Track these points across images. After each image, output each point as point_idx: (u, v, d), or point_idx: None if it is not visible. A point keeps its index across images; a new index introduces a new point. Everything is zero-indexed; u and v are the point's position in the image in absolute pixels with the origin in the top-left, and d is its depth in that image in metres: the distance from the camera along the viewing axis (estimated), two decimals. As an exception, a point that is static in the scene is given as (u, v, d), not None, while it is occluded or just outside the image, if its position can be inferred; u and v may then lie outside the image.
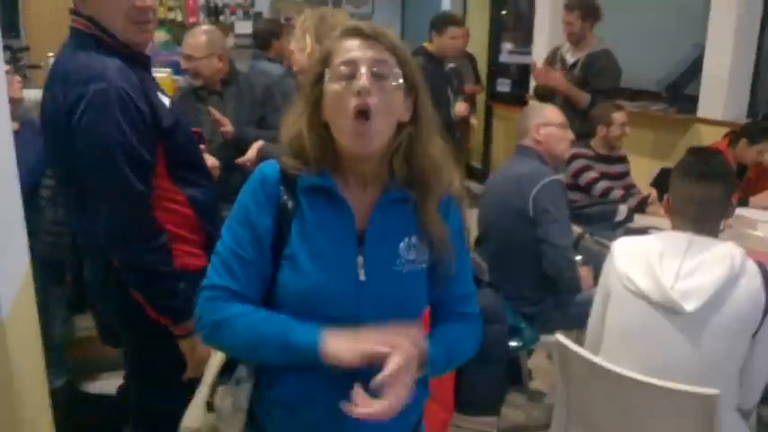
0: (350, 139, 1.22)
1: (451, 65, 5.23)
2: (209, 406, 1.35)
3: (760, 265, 1.90)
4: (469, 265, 1.44)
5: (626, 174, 3.94)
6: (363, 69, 1.22)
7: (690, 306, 1.82)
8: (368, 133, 1.21)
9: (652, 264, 1.90)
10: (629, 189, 3.84)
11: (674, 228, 2.00)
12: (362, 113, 1.20)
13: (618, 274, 1.98)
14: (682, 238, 1.93)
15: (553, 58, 4.73)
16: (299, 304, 1.24)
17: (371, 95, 1.20)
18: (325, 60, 1.27)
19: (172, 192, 1.89)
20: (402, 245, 1.30)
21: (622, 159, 3.94)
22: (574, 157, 3.74)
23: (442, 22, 4.75)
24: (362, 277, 1.26)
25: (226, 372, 1.36)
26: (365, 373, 1.18)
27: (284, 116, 1.34)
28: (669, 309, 1.85)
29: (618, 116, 3.78)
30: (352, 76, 1.22)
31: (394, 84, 1.24)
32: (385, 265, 1.28)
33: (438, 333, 1.35)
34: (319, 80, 1.27)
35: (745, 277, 1.85)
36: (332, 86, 1.24)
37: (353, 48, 1.24)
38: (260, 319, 1.24)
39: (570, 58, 4.57)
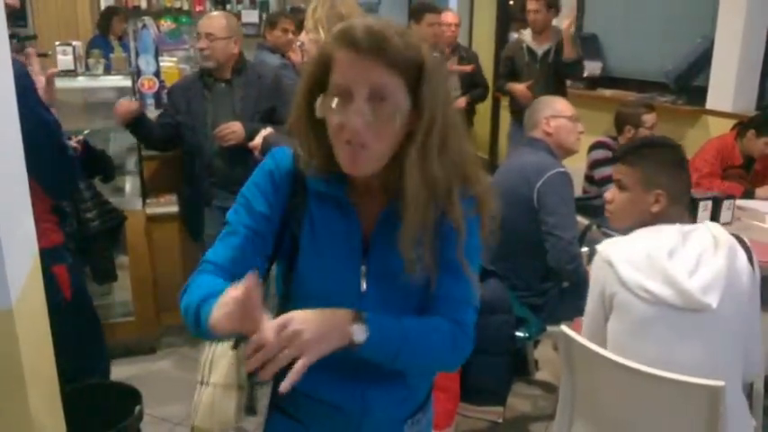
0: (343, 164, 1.16)
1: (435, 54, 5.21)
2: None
3: (735, 237, 1.87)
4: (472, 274, 1.27)
5: None
6: (358, 101, 1.11)
7: (713, 301, 1.76)
8: (360, 160, 1.14)
9: (666, 268, 1.81)
10: None
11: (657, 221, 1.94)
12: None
13: (625, 284, 1.85)
14: (672, 230, 1.88)
15: (518, 49, 4.92)
16: (302, 303, 1.17)
17: (366, 130, 1.11)
18: (324, 66, 1.16)
19: None
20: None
21: None
22: (596, 146, 3.68)
23: (418, 10, 4.73)
24: (364, 287, 1.22)
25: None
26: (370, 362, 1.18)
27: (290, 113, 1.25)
28: (693, 309, 1.79)
29: (648, 118, 3.66)
30: (347, 99, 1.12)
31: (391, 110, 1.13)
32: (389, 276, 1.21)
33: (405, 318, 1.22)
34: (318, 84, 1.17)
35: (737, 256, 1.83)
36: (327, 102, 1.14)
37: (350, 65, 1.12)
38: (203, 282, 1.18)
39: (538, 49, 4.81)
